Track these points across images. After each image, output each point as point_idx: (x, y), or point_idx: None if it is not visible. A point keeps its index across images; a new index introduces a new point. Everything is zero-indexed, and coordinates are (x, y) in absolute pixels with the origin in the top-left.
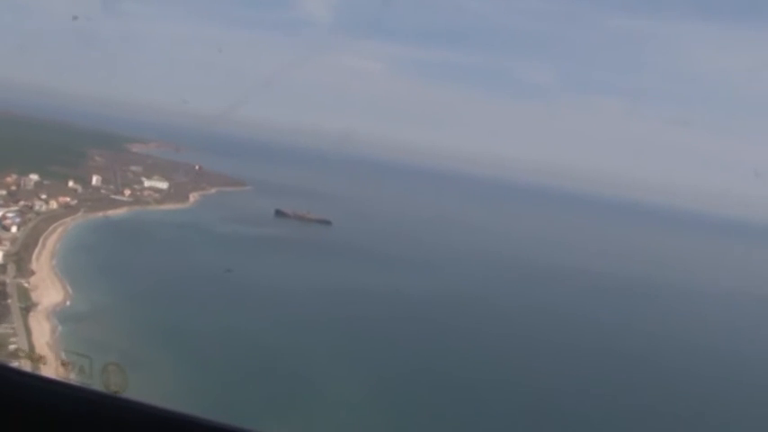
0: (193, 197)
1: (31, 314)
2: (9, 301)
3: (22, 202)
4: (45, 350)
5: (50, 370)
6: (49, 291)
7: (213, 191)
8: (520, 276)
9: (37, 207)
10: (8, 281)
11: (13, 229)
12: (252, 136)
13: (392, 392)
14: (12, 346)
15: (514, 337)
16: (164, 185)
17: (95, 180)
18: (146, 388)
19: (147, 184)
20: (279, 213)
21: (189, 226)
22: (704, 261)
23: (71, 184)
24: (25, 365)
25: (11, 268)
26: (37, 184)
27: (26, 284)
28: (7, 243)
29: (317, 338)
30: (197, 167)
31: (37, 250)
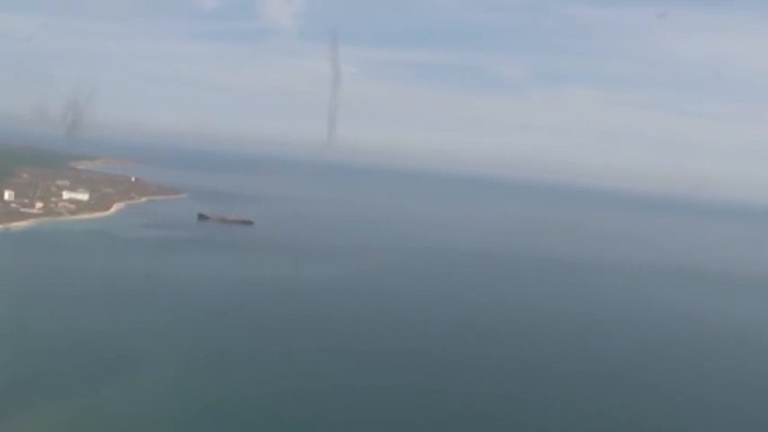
0: (117, 207)
1: None
2: None
3: None
4: None
5: None
6: None
7: (143, 200)
8: (430, 266)
9: None
10: None
11: None
12: (220, 149)
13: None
14: None
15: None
16: (84, 197)
17: (8, 195)
18: None
19: (66, 196)
20: (201, 217)
21: (97, 233)
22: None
23: None
24: None
25: None
26: None
27: None
28: None
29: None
30: (133, 179)
31: None
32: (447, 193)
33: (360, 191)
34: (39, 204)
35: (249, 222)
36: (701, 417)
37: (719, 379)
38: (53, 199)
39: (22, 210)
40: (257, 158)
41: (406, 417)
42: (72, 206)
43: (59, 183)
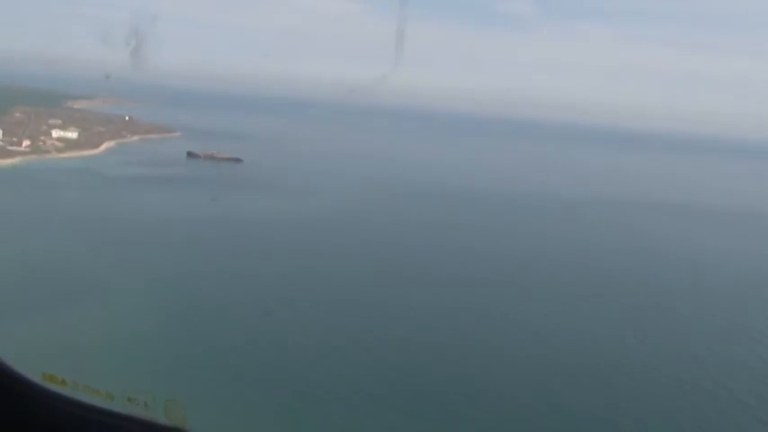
0: (107, 145)
1: None
2: None
3: None
4: None
5: None
6: None
7: (135, 138)
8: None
9: None
10: None
11: None
12: (229, 89)
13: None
14: None
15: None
16: (73, 135)
17: None
18: None
19: (55, 135)
20: (190, 155)
21: (81, 170)
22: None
23: None
24: None
25: None
26: None
27: None
28: None
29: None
30: (126, 118)
31: None
32: (451, 133)
33: (365, 132)
34: (26, 143)
35: (238, 160)
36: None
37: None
38: (42, 137)
39: (9, 148)
40: (274, 99)
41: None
42: (60, 144)
43: (51, 122)
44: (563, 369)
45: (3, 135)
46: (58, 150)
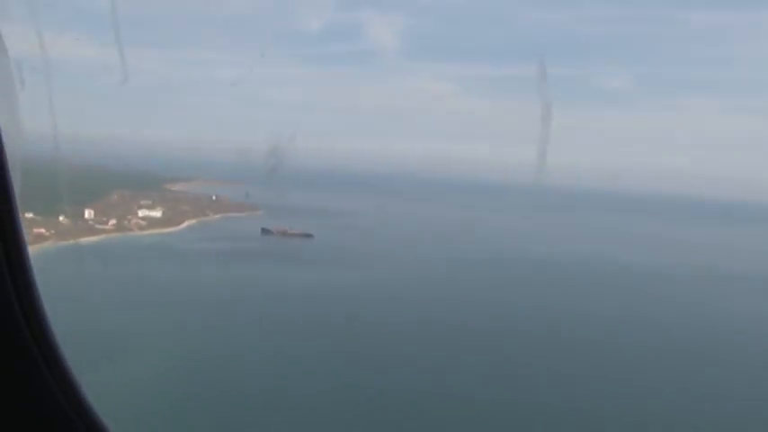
0: (188, 223)
1: None
2: None
3: None
4: None
5: None
6: None
7: (217, 216)
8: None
9: None
10: None
11: None
12: (329, 166)
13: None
14: None
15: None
16: (157, 214)
17: (87, 214)
18: None
19: (140, 213)
20: (264, 231)
21: (157, 245)
22: None
23: (61, 218)
24: None
25: None
26: (27, 220)
27: None
28: None
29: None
30: (213, 197)
31: None
32: (549, 207)
33: (446, 206)
34: (112, 221)
35: (309, 235)
36: None
37: None
38: (129, 216)
39: (96, 226)
40: (356, 175)
41: None
42: (143, 222)
43: (143, 202)
44: None
45: (95, 215)
46: (141, 228)
